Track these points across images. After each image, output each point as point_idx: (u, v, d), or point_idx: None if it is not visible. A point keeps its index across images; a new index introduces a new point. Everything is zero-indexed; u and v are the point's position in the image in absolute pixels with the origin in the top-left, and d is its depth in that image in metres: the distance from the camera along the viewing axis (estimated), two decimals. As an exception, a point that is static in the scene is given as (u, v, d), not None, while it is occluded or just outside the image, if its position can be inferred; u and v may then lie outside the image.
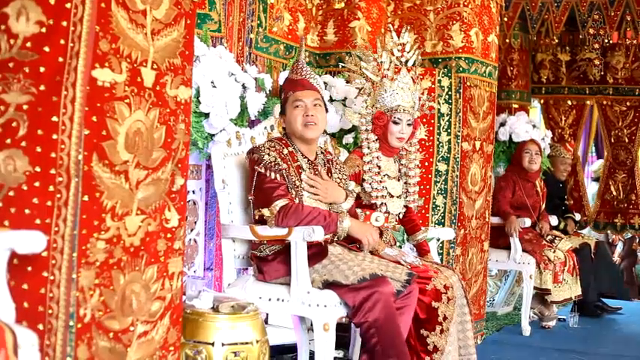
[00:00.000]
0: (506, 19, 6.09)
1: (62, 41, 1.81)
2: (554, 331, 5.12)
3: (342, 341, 3.49)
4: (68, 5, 1.81)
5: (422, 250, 3.55)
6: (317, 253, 2.91)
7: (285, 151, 3.03)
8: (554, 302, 5.17)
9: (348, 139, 4.01)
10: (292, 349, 3.58)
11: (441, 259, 4.06)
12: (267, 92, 3.58)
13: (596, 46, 6.46)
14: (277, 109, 3.36)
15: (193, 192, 3.45)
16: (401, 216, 3.50)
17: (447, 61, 4.27)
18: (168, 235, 2.12)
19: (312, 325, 2.95)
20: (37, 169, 1.80)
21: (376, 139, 3.40)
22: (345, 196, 3.12)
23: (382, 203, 3.36)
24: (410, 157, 3.51)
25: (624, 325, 5.52)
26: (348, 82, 3.90)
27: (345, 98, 4.00)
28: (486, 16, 4.37)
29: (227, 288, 3.06)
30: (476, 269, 4.46)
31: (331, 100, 4.00)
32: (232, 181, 3.16)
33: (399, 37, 3.53)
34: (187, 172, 2.21)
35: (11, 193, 1.80)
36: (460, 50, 4.25)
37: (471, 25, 4.26)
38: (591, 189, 8.16)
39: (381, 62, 3.46)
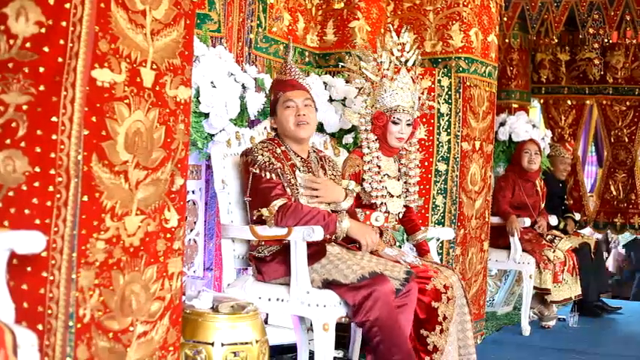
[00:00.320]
0: (505, 18, 6.08)
1: (62, 41, 1.81)
2: (554, 331, 5.12)
3: (342, 341, 3.49)
4: (67, 5, 1.80)
5: (422, 250, 3.54)
6: (315, 252, 2.91)
7: (279, 151, 3.04)
8: (553, 302, 5.17)
9: (348, 139, 4.00)
10: (292, 349, 3.58)
11: (441, 259, 4.06)
12: (267, 92, 3.57)
13: (596, 45, 6.46)
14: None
15: (193, 192, 3.46)
16: (401, 216, 3.50)
17: (446, 61, 4.27)
18: (168, 236, 2.12)
19: (311, 325, 2.95)
20: (37, 169, 1.80)
21: (376, 139, 3.40)
22: (344, 195, 3.12)
23: (382, 203, 3.36)
24: (410, 157, 3.51)
25: (624, 325, 5.52)
26: (347, 82, 3.89)
27: (345, 98, 4.00)
28: (486, 16, 4.37)
29: (227, 288, 3.07)
30: (476, 269, 4.46)
31: (331, 100, 4.00)
32: (232, 181, 3.16)
33: (398, 37, 3.53)
34: (187, 172, 2.21)
35: (11, 194, 1.80)
36: (460, 50, 4.24)
37: (470, 25, 4.25)
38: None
39: (381, 62, 3.46)
